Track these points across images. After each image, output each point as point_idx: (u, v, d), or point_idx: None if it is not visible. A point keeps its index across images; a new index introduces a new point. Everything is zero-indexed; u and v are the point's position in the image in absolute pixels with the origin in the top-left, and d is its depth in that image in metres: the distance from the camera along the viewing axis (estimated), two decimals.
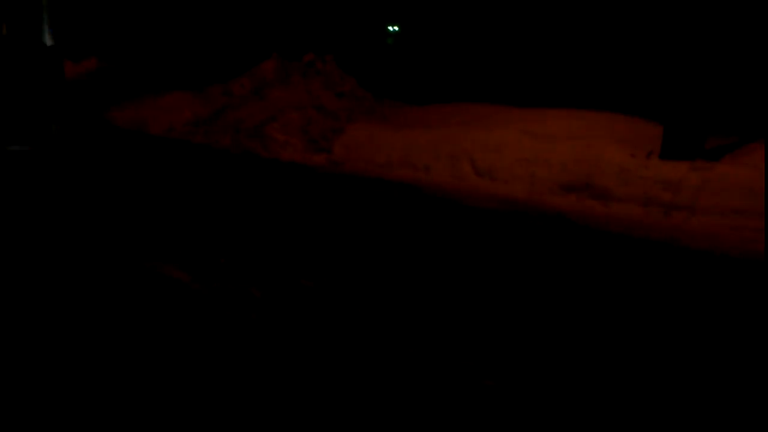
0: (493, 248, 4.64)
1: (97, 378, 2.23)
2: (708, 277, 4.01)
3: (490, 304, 3.31)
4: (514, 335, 2.88)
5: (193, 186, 6.75)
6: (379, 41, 12.24)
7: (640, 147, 6.27)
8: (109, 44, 21.53)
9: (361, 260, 4.12)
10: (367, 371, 2.38)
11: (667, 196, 5.67)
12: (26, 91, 9.65)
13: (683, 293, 3.65)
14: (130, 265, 3.63)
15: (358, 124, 8.97)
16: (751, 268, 4.18)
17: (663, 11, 7.84)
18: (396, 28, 12.62)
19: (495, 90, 9.71)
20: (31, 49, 10.30)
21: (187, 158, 8.65)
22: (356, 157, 8.45)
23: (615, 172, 6.20)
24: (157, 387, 2.18)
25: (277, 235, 4.72)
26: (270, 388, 2.21)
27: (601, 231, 5.21)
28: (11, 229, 4.39)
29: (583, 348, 2.75)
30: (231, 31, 14.41)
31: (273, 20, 13.34)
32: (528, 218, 5.67)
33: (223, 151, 9.03)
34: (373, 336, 2.75)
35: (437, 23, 11.85)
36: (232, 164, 8.20)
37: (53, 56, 12.29)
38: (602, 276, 3.96)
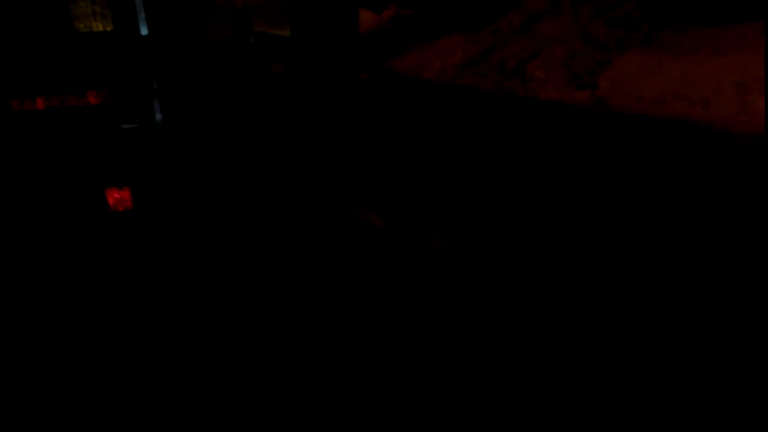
0: None
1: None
2: None
3: None
4: None
5: (446, 128, 6.90)
6: None
7: None
8: None
9: (598, 216, 3.76)
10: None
11: None
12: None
13: None
14: (341, 211, 3.97)
15: (629, 54, 7.96)
16: None
17: None
18: None
19: None
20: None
21: (447, 101, 8.86)
22: (623, 92, 7.56)
23: None
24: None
25: (507, 182, 4.59)
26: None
27: None
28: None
29: None
30: None
31: None
32: None
33: (481, 93, 8.99)
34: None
35: None
36: (484, 105, 8.13)
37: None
38: None
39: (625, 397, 1.85)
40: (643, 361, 2.03)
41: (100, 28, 3.34)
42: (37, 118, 3.17)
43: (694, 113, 6.48)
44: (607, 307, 2.43)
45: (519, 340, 2.23)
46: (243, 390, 2.02)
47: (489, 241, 3.25)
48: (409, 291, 2.65)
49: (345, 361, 2.14)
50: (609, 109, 7.26)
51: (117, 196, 3.22)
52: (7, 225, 3.29)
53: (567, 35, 8.83)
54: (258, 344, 2.29)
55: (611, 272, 2.78)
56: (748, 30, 7.22)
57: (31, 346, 2.30)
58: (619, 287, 2.62)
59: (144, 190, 3.43)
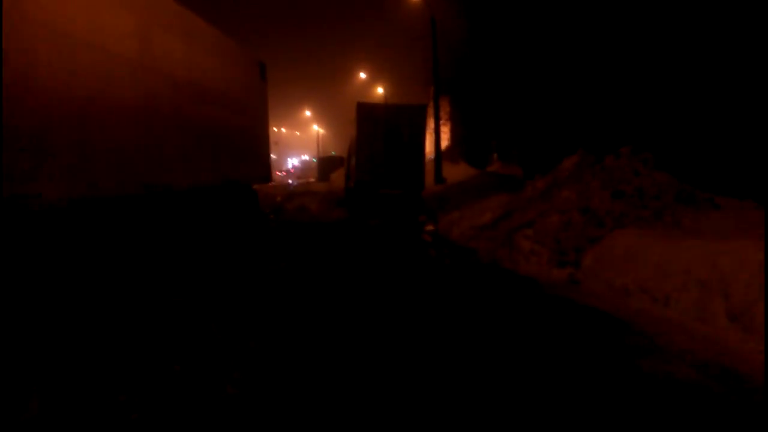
0: None
1: None
2: None
3: None
4: None
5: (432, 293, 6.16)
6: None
7: None
8: (506, 146, 23.00)
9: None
10: None
11: None
12: None
13: None
14: None
15: (623, 231, 6.82)
16: None
17: None
18: None
19: None
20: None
21: (441, 266, 8.15)
22: (599, 275, 6.38)
23: None
24: None
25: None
26: None
27: None
28: None
29: None
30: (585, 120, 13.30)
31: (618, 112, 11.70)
32: None
33: (473, 262, 8.16)
34: None
35: None
36: (461, 275, 7.30)
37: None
38: None
39: None
40: None
41: None
42: None
43: (655, 313, 5.17)
44: None
45: None
46: None
47: None
48: None
49: None
50: (577, 294, 6.11)
51: None
52: None
53: (567, 205, 7.88)
54: None
55: None
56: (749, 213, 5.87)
57: None
58: None
59: None
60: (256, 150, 10.94)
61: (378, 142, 14.70)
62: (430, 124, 21.78)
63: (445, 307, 5.62)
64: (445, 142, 28.00)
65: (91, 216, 5.40)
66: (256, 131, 10.87)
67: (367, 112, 14.90)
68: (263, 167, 11.57)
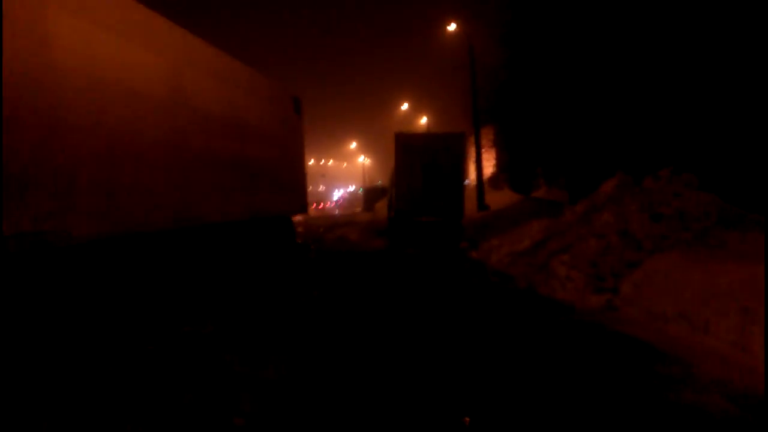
0: None
1: None
2: None
3: None
4: None
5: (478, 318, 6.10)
6: None
7: None
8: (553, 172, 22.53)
9: None
10: None
11: None
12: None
13: None
14: None
15: (663, 254, 6.54)
16: None
17: None
18: None
19: None
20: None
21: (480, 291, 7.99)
22: (639, 301, 6.12)
23: None
24: None
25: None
26: None
27: None
28: None
29: None
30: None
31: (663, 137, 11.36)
32: None
33: (509, 288, 7.97)
34: None
35: None
36: (496, 301, 7.13)
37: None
38: None
39: None
40: None
41: None
42: None
43: (693, 340, 4.91)
44: None
45: None
46: None
47: None
48: None
49: None
50: (613, 321, 5.87)
51: None
52: None
53: (605, 229, 7.64)
54: None
55: None
56: None
57: None
58: None
59: None
60: (292, 182, 11.13)
61: (416, 170, 14.72)
62: (472, 152, 21.74)
63: (476, 334, 5.49)
64: (489, 169, 27.81)
65: (119, 251, 5.57)
66: (291, 164, 11.08)
67: (405, 142, 14.97)
68: (299, 198, 11.74)
